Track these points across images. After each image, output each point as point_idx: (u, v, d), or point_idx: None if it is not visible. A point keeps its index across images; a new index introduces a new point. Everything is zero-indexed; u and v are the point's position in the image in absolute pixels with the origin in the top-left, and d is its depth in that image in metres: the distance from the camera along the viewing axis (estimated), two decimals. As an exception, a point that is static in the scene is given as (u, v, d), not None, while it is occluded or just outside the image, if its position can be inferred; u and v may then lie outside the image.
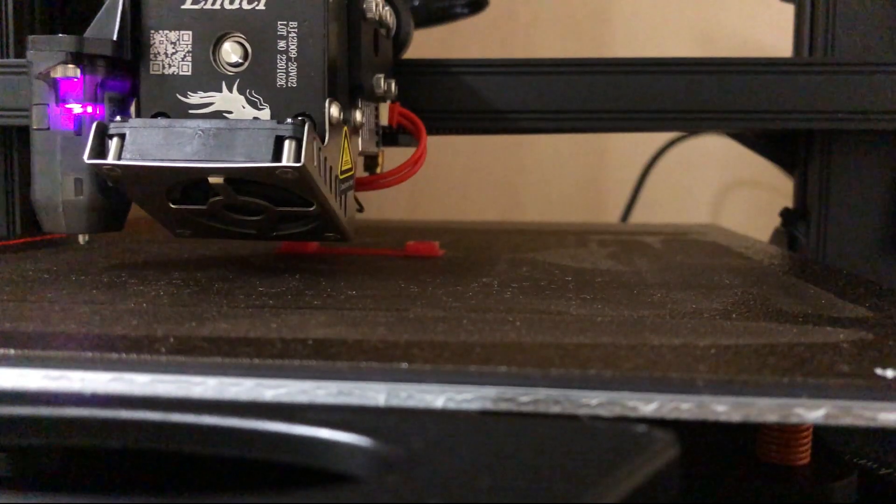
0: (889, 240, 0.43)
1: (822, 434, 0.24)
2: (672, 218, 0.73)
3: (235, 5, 0.30)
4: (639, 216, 0.76)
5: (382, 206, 0.78)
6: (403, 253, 0.38)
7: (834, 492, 0.22)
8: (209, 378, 0.19)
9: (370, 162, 0.40)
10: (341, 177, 0.32)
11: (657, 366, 0.19)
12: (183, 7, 0.30)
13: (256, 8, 0.30)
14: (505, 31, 0.79)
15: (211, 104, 0.30)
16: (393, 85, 0.37)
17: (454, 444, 0.15)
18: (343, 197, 0.33)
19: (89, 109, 0.29)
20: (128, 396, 0.19)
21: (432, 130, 0.41)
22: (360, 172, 0.40)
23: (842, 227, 0.43)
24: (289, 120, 0.28)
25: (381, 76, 0.35)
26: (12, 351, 0.20)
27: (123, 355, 0.20)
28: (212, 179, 0.28)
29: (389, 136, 0.41)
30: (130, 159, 0.28)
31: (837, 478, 0.23)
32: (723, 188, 0.79)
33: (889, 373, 0.19)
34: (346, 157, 0.33)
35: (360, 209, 0.45)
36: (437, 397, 0.18)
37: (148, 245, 0.41)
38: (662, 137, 0.74)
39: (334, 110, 0.30)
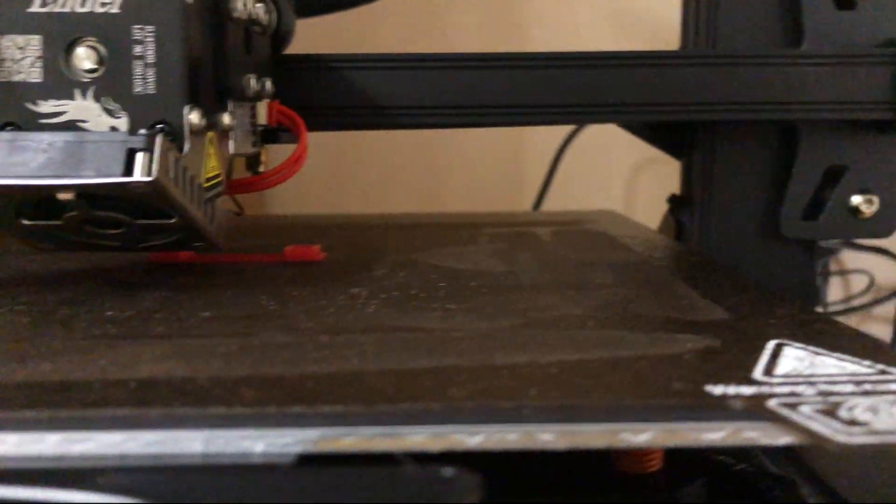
0: (770, 225, 0.43)
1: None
2: (588, 200, 0.73)
3: (87, 8, 0.28)
4: (556, 201, 0.76)
5: (303, 200, 0.76)
6: (282, 258, 0.37)
7: (684, 496, 0.22)
8: (8, 434, 0.18)
9: (252, 161, 0.39)
10: (206, 184, 0.31)
11: (491, 392, 0.19)
12: (30, 10, 0.28)
13: (110, 11, 0.28)
14: (420, 16, 0.77)
15: (63, 113, 0.28)
16: (268, 83, 0.36)
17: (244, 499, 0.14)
18: (209, 205, 0.32)
19: None
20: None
21: (314, 127, 0.40)
22: (243, 173, 0.39)
23: (724, 214, 0.43)
24: (142, 130, 0.27)
25: (253, 76, 0.34)
26: None
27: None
28: (61, 196, 0.27)
29: (271, 135, 0.40)
30: None
31: (688, 481, 0.22)
32: (636, 168, 0.80)
33: (718, 390, 0.18)
34: (213, 162, 0.32)
35: (239, 212, 0.43)
36: (255, 443, 0.18)
37: (4, 257, 0.39)
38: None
39: (194, 117, 0.28)
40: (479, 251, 0.39)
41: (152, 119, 0.27)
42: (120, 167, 0.26)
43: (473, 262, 0.36)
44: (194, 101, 0.28)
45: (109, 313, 0.27)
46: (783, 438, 0.17)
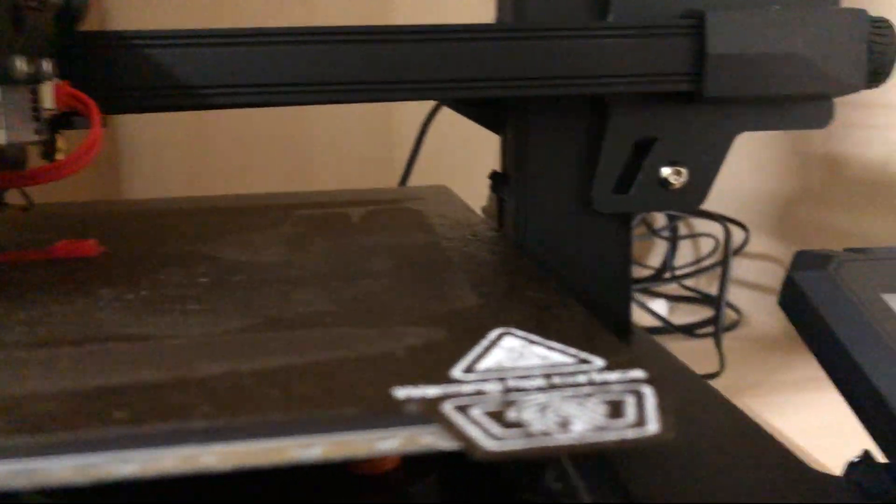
0: (584, 200, 0.43)
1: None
2: (456, 174, 0.72)
3: None
4: (422, 177, 0.74)
5: (162, 183, 0.73)
6: (52, 255, 0.34)
7: (418, 495, 0.21)
8: None
9: (47, 150, 0.36)
10: None
11: (158, 412, 0.17)
12: None
13: None
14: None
15: None
16: (47, 64, 0.33)
17: None
18: None
19: None
20: None
21: (112, 110, 0.37)
22: (38, 162, 0.36)
23: (539, 190, 0.43)
24: None
25: (23, 57, 0.31)
26: None
27: None
28: None
29: (64, 120, 0.37)
30: None
31: (424, 477, 0.22)
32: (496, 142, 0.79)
33: (403, 393, 0.17)
34: None
35: (29, 206, 0.40)
36: None
37: None
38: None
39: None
40: (271, 238, 0.37)
41: None
42: None
43: (256, 252, 0.34)
44: None
45: None
46: (447, 444, 0.16)
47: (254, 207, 0.47)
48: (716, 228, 0.71)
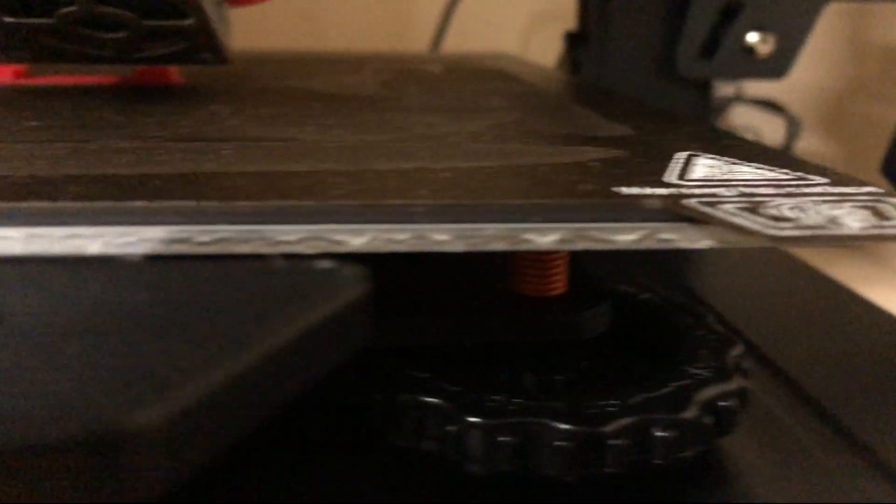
0: (666, 64, 0.42)
1: (582, 260, 0.22)
2: (480, 47, 0.70)
3: None
4: (446, 45, 0.72)
5: None
6: (129, 81, 0.32)
7: (587, 319, 0.21)
8: None
9: None
10: None
11: (372, 193, 0.16)
12: None
13: None
14: None
15: None
16: None
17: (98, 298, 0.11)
18: (222, 8, 0.27)
19: None
20: None
21: None
22: None
23: (621, 51, 0.41)
24: None
25: None
26: None
27: None
28: None
29: None
30: None
31: (592, 305, 0.21)
32: (532, 18, 0.77)
33: (629, 191, 0.16)
34: None
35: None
36: (90, 242, 0.14)
37: None
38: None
39: None
40: (361, 82, 0.35)
41: None
42: None
43: (355, 89, 0.33)
44: None
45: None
46: (704, 240, 0.15)
47: (318, 59, 0.45)
48: (756, 121, 0.70)
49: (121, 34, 0.25)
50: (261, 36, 0.75)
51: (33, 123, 0.22)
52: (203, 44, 0.26)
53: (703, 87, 0.43)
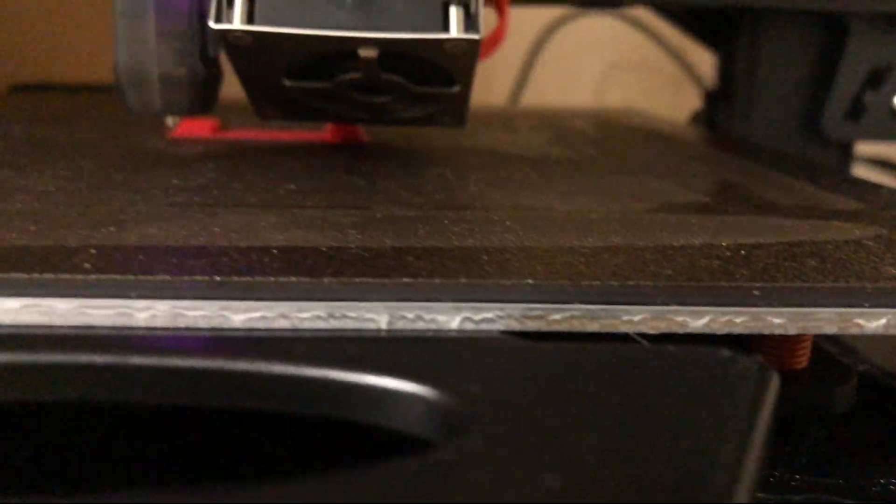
0: (810, 125, 0.42)
1: (817, 339, 0.23)
2: (557, 99, 0.71)
3: None
4: (525, 98, 0.73)
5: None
6: (323, 137, 0.34)
7: (835, 396, 0.21)
8: (157, 301, 0.15)
9: None
10: None
11: (695, 273, 0.16)
12: None
13: None
14: None
15: None
16: None
17: (515, 383, 0.12)
18: None
19: None
20: (48, 331, 0.14)
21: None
22: None
23: (767, 111, 0.42)
24: None
25: None
26: None
27: (37, 274, 0.15)
28: (363, 53, 0.23)
29: None
30: (266, 24, 0.22)
31: (838, 382, 0.21)
32: (606, 70, 0.78)
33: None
34: None
35: None
36: (451, 318, 0.15)
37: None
38: (544, 17, 0.70)
39: None
40: (530, 139, 0.36)
41: None
42: (438, 22, 0.22)
43: (536, 149, 0.33)
44: None
45: (175, 181, 0.24)
46: None
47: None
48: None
49: (387, 98, 0.26)
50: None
51: (291, 187, 0.23)
52: (453, 108, 0.27)
53: (846, 147, 0.43)
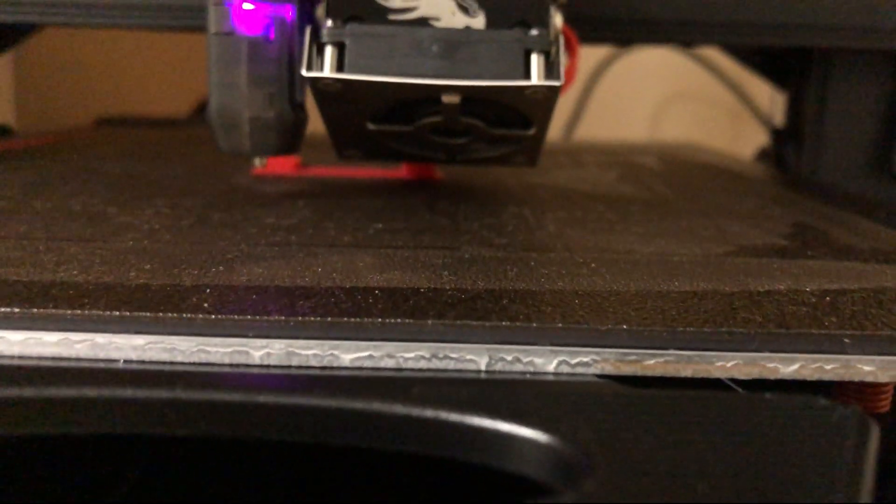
0: (879, 162, 0.42)
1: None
2: (612, 132, 0.71)
3: None
4: (579, 132, 0.74)
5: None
6: (400, 175, 0.35)
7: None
8: (273, 341, 0.16)
9: None
10: None
11: (784, 320, 0.17)
12: None
13: None
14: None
15: (415, 9, 0.24)
16: None
17: (625, 430, 0.12)
18: None
19: (279, 11, 0.24)
20: (168, 368, 0.16)
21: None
22: None
23: (836, 149, 0.42)
24: (533, 31, 0.24)
25: None
26: (16, 308, 0.16)
27: (161, 313, 0.16)
28: (446, 98, 0.24)
29: None
30: (355, 72, 0.23)
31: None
32: (661, 101, 0.78)
33: None
34: None
35: None
36: (548, 361, 0.16)
37: (85, 160, 0.36)
38: (600, 50, 0.71)
39: (558, 20, 0.25)
40: (600, 177, 0.37)
41: (512, 19, 0.24)
42: (519, 69, 0.23)
43: (606, 187, 0.34)
44: (555, 1, 0.25)
45: (269, 220, 0.25)
46: None
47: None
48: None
49: (466, 140, 0.27)
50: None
51: (379, 226, 0.24)
52: (526, 148, 0.28)
53: (917, 187, 0.43)
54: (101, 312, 0.16)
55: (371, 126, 0.26)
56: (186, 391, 0.14)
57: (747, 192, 0.34)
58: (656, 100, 0.77)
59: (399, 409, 0.12)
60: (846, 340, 0.16)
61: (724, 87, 0.64)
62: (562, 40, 0.24)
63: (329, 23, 0.24)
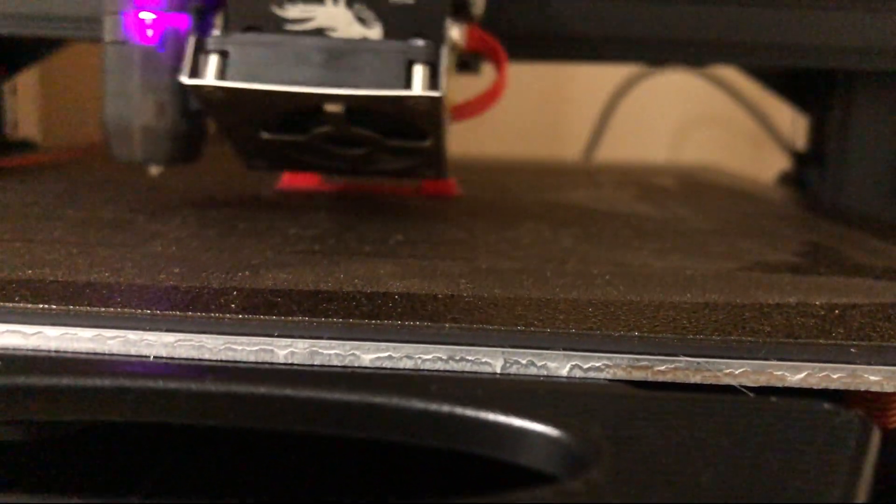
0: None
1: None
2: (631, 154, 0.72)
3: None
4: (599, 152, 0.74)
5: None
6: (419, 191, 0.35)
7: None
8: (297, 340, 0.16)
9: None
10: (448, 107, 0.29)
11: (793, 330, 0.17)
12: None
13: None
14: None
15: (311, 19, 0.25)
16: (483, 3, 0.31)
17: (633, 427, 0.13)
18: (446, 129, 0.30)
19: (173, 21, 0.25)
20: (196, 363, 0.16)
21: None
22: None
23: (859, 173, 0.42)
24: (419, 42, 0.24)
25: None
26: (54, 305, 0.17)
27: (190, 312, 0.17)
28: (329, 107, 0.25)
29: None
30: (236, 80, 0.24)
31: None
32: (682, 125, 0.78)
33: None
34: (453, 85, 0.30)
35: None
36: (561, 365, 0.16)
37: (113, 172, 0.37)
38: (620, 72, 0.71)
39: (455, 32, 0.25)
40: (616, 196, 0.38)
41: (409, 31, 0.25)
42: (401, 79, 0.24)
43: (625, 205, 0.35)
44: (452, 15, 0.26)
45: (293, 231, 0.25)
46: None
47: (547, 171, 0.48)
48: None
49: (362, 151, 0.27)
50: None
51: (399, 238, 0.25)
52: (431, 161, 0.28)
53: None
54: (133, 311, 0.17)
55: (266, 135, 0.26)
56: (215, 384, 0.15)
57: (763, 212, 0.35)
58: (677, 123, 0.77)
59: (417, 404, 0.13)
60: (853, 350, 0.16)
61: (745, 111, 0.64)
62: (445, 52, 0.24)
63: (215, 31, 0.24)
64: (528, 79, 0.77)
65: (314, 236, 0.25)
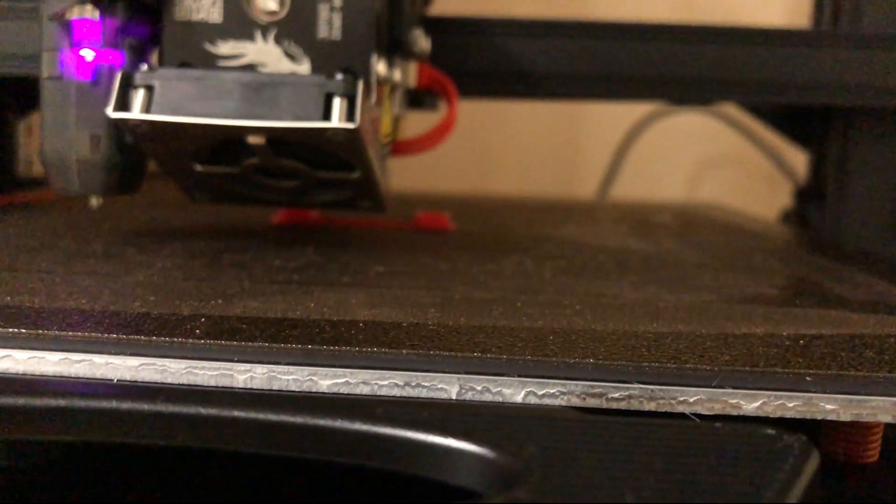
0: (901, 223, 0.42)
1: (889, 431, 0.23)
2: (646, 194, 0.72)
3: None
4: (613, 191, 0.74)
5: None
6: (412, 225, 0.36)
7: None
8: (256, 366, 0.17)
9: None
10: (383, 141, 0.29)
11: (752, 359, 0.17)
12: None
13: None
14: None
15: (243, 55, 0.26)
16: (427, 42, 0.33)
17: (570, 449, 0.13)
18: (384, 162, 0.30)
19: (108, 57, 0.26)
20: (158, 386, 0.17)
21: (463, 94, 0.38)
22: None
23: (858, 208, 0.42)
24: (338, 76, 0.25)
25: (420, 31, 0.32)
26: (23, 330, 0.17)
27: (154, 337, 0.17)
28: (251, 139, 0.25)
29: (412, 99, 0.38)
30: (160, 114, 0.24)
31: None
32: (698, 165, 0.78)
33: None
34: (387, 119, 0.31)
35: None
36: (516, 391, 0.16)
37: (113, 208, 0.38)
38: (636, 112, 0.72)
39: (381, 67, 0.27)
40: (611, 231, 0.38)
41: (336, 66, 0.26)
42: (319, 112, 0.24)
43: (616, 240, 0.35)
44: (379, 51, 0.27)
45: (277, 262, 0.26)
46: None
47: (548, 208, 0.48)
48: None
49: (294, 183, 0.28)
50: (438, 177, 0.80)
51: (380, 269, 0.25)
52: (366, 193, 0.29)
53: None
54: (100, 335, 0.17)
55: (199, 168, 0.27)
56: (170, 405, 0.15)
57: (756, 248, 0.35)
58: (693, 163, 0.78)
59: (360, 426, 0.13)
60: (808, 378, 0.16)
61: (760, 152, 0.64)
62: (360, 86, 0.25)
63: (143, 67, 0.25)
64: (543, 117, 0.78)
65: (296, 267, 0.25)
